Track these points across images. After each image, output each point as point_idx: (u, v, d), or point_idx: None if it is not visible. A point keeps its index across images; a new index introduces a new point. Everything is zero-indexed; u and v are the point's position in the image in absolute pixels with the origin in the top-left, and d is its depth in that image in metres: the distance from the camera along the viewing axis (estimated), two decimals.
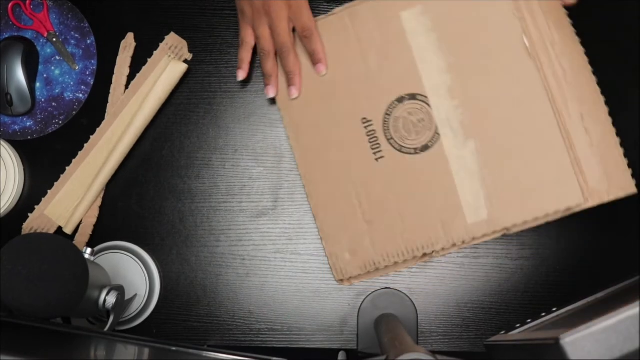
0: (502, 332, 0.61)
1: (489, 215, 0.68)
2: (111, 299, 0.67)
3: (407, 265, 0.73)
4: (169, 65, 0.79)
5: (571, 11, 0.71)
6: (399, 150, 0.70)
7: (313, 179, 0.74)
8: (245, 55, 0.74)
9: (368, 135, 0.71)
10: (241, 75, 0.75)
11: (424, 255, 0.71)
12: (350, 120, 0.72)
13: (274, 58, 0.73)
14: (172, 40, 0.80)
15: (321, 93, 0.73)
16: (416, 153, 0.70)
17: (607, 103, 0.69)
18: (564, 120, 0.67)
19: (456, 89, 0.69)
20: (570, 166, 0.67)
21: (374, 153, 0.71)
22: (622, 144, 0.69)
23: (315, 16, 0.72)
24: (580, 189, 0.66)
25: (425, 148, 0.70)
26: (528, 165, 0.68)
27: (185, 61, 0.80)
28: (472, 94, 0.69)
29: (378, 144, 0.71)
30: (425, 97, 0.70)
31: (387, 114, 0.70)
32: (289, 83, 0.73)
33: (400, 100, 0.70)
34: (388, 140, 0.71)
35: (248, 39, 0.73)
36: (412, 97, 0.70)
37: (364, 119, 0.71)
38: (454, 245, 0.69)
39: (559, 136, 0.67)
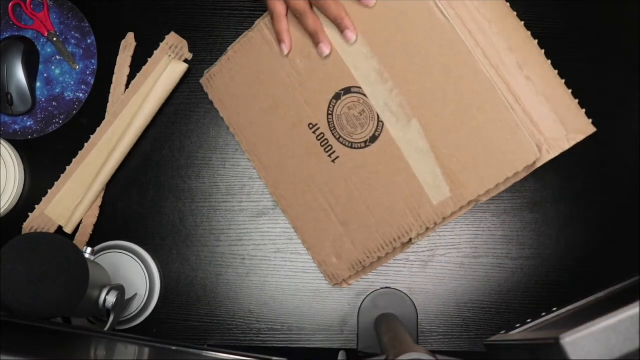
0: (502, 332, 0.61)
1: (451, 192, 0.67)
2: (111, 299, 0.67)
3: (392, 257, 0.74)
4: (169, 65, 0.79)
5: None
6: (351, 147, 0.70)
7: (283, 194, 0.75)
8: (282, 27, 0.69)
9: (319, 140, 0.71)
10: (286, 48, 0.69)
11: (403, 244, 0.71)
12: (299, 129, 0.72)
13: (312, 13, 0.67)
14: (173, 39, 0.80)
15: (265, 111, 0.73)
16: (367, 146, 0.69)
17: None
18: (502, 74, 0.63)
19: (385, 71, 0.67)
20: (517, 121, 0.62)
21: (329, 155, 0.71)
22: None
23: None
24: (534, 143, 0.63)
25: (373, 139, 0.69)
26: (476, 130, 0.64)
27: (186, 61, 0.80)
28: (401, 73, 0.66)
29: (330, 145, 0.71)
30: (359, 87, 0.68)
31: (329, 114, 0.70)
32: (341, 28, 0.66)
33: (337, 97, 0.69)
34: (337, 139, 0.70)
35: (278, 8, 0.68)
36: (347, 91, 0.69)
37: (310, 124, 0.71)
38: (427, 229, 0.69)
39: (499, 92, 0.62)
